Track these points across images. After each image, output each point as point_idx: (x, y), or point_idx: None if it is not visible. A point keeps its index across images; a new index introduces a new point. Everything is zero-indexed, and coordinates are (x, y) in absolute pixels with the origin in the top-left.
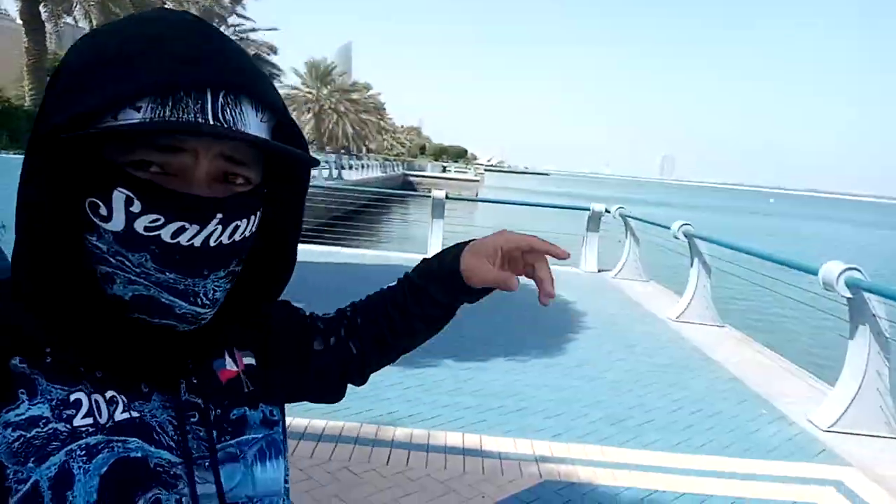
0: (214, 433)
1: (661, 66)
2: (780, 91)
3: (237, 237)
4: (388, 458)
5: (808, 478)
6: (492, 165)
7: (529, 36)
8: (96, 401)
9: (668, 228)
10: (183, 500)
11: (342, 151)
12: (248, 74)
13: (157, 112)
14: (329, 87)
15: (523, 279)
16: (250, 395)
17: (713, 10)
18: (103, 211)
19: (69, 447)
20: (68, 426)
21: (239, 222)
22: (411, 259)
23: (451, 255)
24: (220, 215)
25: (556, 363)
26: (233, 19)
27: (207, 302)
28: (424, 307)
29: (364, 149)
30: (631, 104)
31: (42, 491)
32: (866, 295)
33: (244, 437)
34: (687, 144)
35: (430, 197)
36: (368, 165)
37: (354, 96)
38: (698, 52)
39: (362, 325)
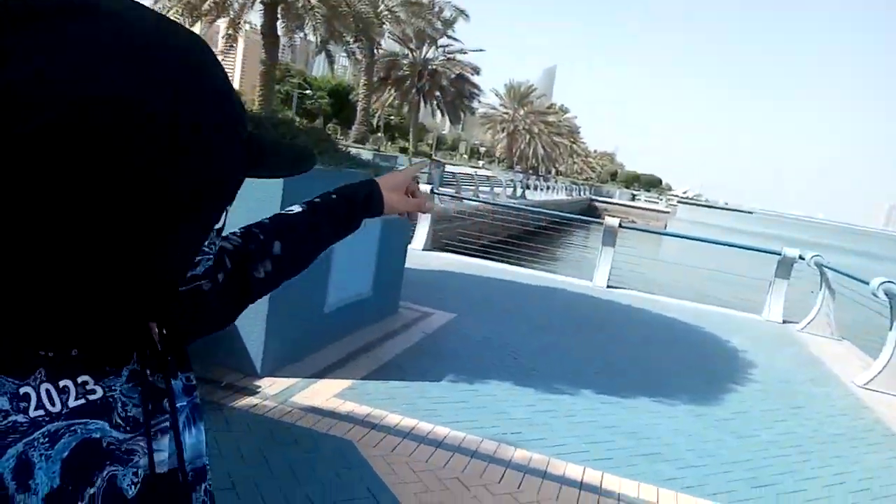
0: (166, 402)
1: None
2: None
3: None
4: (502, 477)
5: None
6: (687, 198)
7: (741, 67)
8: (48, 390)
9: (867, 284)
10: (139, 472)
11: (530, 171)
12: None
13: None
14: (526, 108)
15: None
16: (170, 365)
17: None
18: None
19: (30, 437)
20: (27, 417)
21: None
22: (575, 284)
23: (375, 195)
24: None
25: (706, 412)
26: (443, 40)
27: None
28: (340, 237)
29: (553, 170)
30: (856, 144)
31: (7, 482)
32: None
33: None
34: None
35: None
36: (554, 187)
37: (550, 119)
38: None
39: (283, 252)
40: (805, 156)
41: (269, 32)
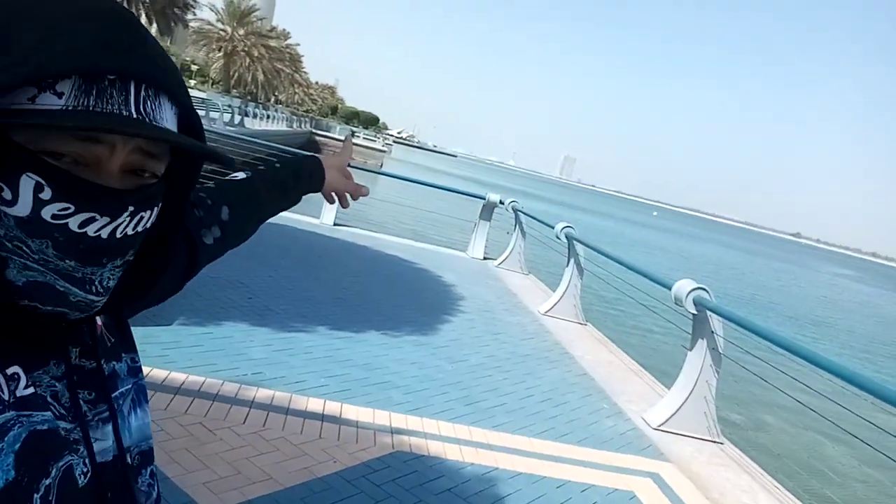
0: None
1: (574, 66)
2: (672, 104)
3: (139, 228)
4: (246, 417)
5: (631, 468)
6: (402, 138)
7: (449, 17)
8: None
9: (552, 228)
10: (87, 461)
11: (249, 98)
12: (169, 70)
13: (81, 100)
14: (245, 28)
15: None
16: (114, 348)
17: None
18: (7, 195)
19: None
20: None
21: (144, 213)
22: (304, 221)
23: (319, 171)
24: (131, 208)
25: (426, 342)
26: None
27: (101, 290)
28: (283, 208)
29: (273, 99)
30: (543, 100)
31: None
32: (709, 313)
33: (118, 391)
34: (588, 147)
35: None
36: (274, 117)
37: (272, 43)
38: (610, 58)
39: (232, 218)
40: (503, 105)
41: None
